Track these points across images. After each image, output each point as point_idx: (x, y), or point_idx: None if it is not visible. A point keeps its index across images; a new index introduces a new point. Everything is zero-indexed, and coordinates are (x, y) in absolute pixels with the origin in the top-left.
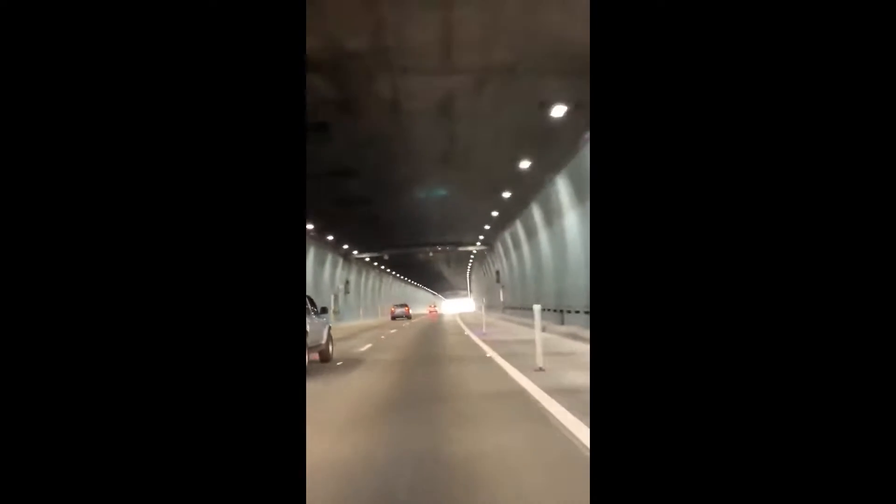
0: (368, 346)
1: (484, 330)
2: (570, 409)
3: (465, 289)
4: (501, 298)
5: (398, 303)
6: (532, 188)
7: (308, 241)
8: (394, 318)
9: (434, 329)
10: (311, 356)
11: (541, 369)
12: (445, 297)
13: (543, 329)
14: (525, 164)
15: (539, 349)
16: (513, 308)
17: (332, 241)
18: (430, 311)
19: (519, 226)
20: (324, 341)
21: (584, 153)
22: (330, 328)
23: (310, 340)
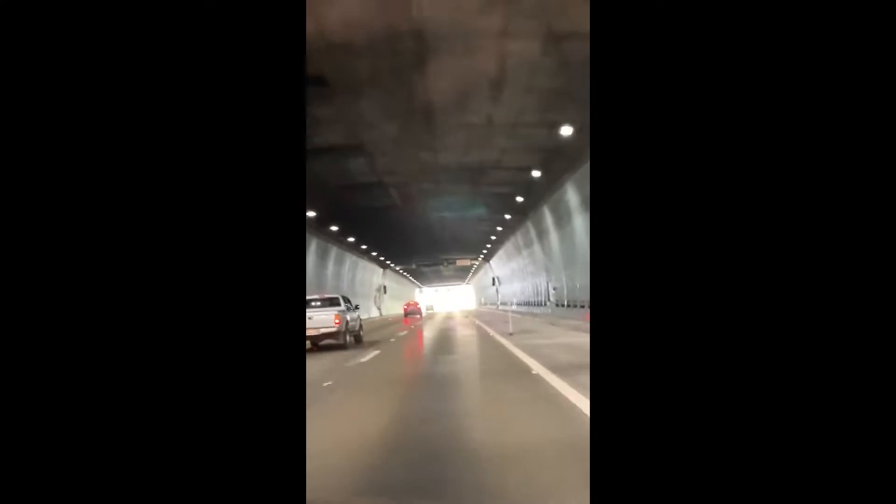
0: None
1: None
2: None
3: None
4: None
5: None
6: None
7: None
8: (407, 315)
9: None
10: (350, 338)
11: None
12: (428, 284)
13: None
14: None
15: None
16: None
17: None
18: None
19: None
20: (358, 328)
21: None
22: (361, 319)
23: (350, 327)
